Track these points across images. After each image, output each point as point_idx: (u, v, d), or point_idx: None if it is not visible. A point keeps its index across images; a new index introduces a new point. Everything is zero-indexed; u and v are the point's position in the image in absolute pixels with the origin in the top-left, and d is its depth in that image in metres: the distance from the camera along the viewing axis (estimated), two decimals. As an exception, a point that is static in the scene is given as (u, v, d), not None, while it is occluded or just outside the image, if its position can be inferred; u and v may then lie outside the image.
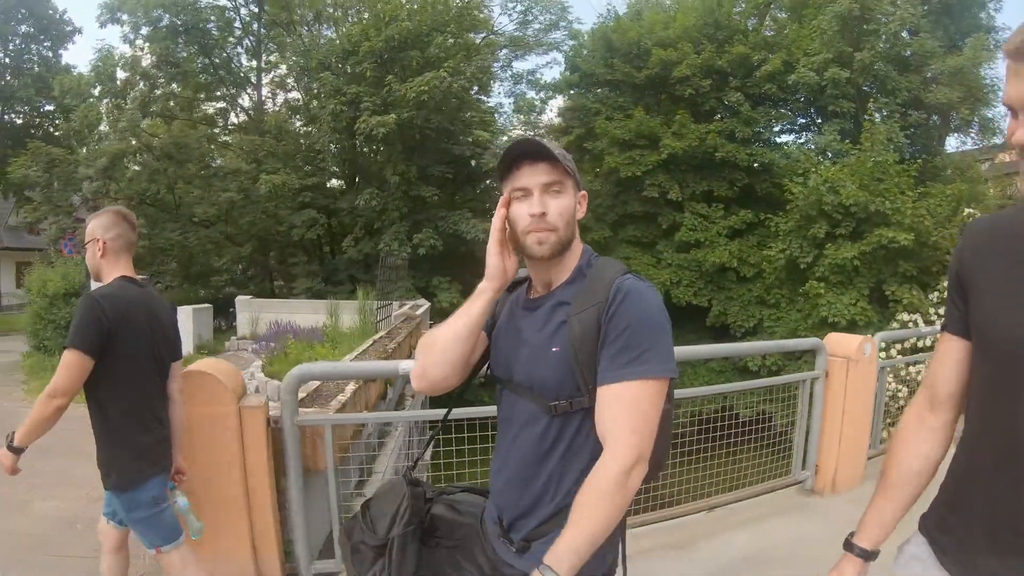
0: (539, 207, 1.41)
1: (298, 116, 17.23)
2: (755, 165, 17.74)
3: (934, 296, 13.83)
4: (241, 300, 14.94)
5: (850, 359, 4.40)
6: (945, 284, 8.55)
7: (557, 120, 19.51)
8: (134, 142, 16.26)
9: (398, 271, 15.48)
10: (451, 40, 15.96)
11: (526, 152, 1.44)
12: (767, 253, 16.65)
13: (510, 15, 19.29)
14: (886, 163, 14.45)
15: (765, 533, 3.79)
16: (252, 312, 14.61)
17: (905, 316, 13.46)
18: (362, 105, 14.71)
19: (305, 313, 14.10)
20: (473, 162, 16.77)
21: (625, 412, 1.32)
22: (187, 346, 12.86)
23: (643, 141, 17.65)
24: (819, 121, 18.80)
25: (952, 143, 19.83)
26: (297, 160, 16.77)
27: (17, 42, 24.17)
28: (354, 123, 15.01)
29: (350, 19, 19.34)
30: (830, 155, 16.40)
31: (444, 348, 1.51)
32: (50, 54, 24.40)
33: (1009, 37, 1.04)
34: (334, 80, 14.86)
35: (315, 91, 16.82)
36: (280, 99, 20.20)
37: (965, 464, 1.22)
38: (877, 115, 15.09)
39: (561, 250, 1.47)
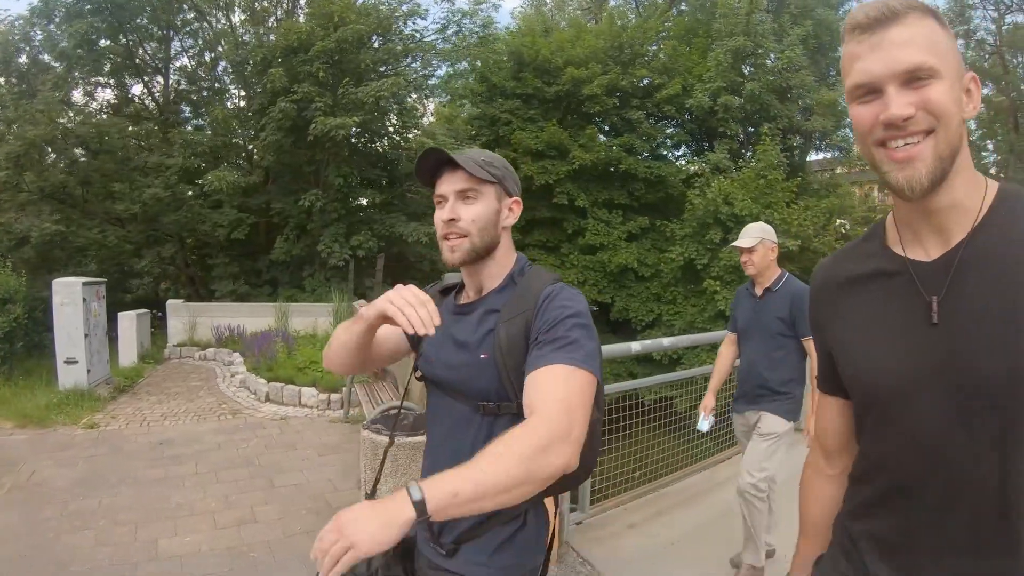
0: (449, 213, 1.48)
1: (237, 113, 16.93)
2: (652, 177, 19.47)
3: None
4: (173, 304, 14.66)
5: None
6: None
7: (466, 127, 20.36)
8: (60, 127, 15.54)
9: (343, 273, 15.92)
10: (398, 46, 16.53)
11: (441, 161, 1.50)
12: (666, 255, 18.56)
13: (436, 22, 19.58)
14: (774, 180, 16.63)
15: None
16: (187, 317, 14.40)
17: None
18: (313, 106, 14.84)
19: (249, 317, 14.23)
20: (400, 165, 17.23)
21: (560, 387, 1.30)
22: (131, 355, 12.87)
23: (553, 152, 19.11)
24: (709, 140, 20.90)
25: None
26: (232, 157, 16.60)
27: None
28: (301, 123, 15.17)
29: (276, 16, 19.29)
30: (719, 170, 18.43)
31: (337, 351, 1.63)
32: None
33: (850, 14, 1.07)
34: (280, 77, 14.94)
35: (254, 87, 16.51)
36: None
37: (854, 507, 1.25)
38: (768, 138, 17.23)
39: (475, 257, 1.51)
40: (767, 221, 16.08)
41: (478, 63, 20.54)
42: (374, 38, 16.52)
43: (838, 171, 21.91)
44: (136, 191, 15.71)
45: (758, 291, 3.81)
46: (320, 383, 9.80)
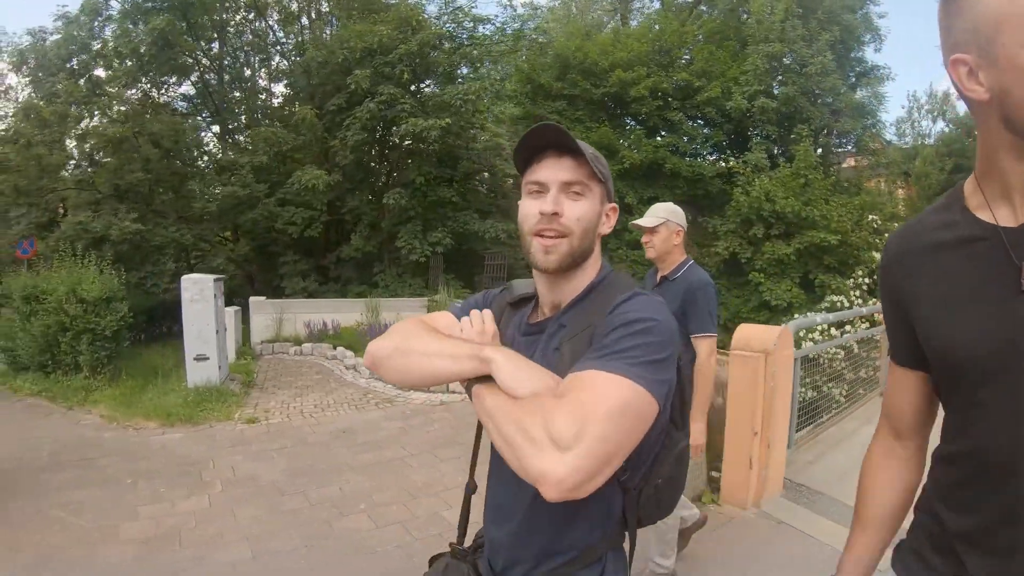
0: (552, 205, 1.27)
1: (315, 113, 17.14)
2: (693, 175, 20.35)
3: (849, 282, 17.52)
4: (256, 301, 14.73)
5: (767, 352, 4.58)
6: (859, 273, 12.11)
7: (513, 127, 20.91)
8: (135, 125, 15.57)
9: (415, 269, 16.35)
10: (474, 50, 17.01)
11: (551, 143, 1.29)
12: (711, 249, 19.45)
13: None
14: (815, 179, 17.94)
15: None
16: (272, 313, 14.50)
17: (834, 297, 16.95)
18: (399, 106, 15.21)
19: (335, 312, 14.56)
20: (462, 165, 17.68)
21: (583, 391, 1.07)
22: (231, 352, 12.93)
23: (603, 152, 19.69)
24: (743, 140, 21.88)
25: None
26: (311, 157, 16.80)
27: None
28: (387, 123, 15.51)
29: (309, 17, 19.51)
30: (757, 169, 19.40)
31: (412, 374, 1.35)
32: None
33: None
34: (365, 79, 15.29)
35: (339, 89, 16.70)
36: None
37: (947, 493, 1.15)
38: (806, 139, 18.27)
39: (572, 263, 1.31)
40: (805, 217, 17.30)
41: (524, 65, 21.02)
42: (443, 41, 16.93)
43: (850, 164, 23.17)
44: (210, 189, 15.88)
45: (658, 278, 3.53)
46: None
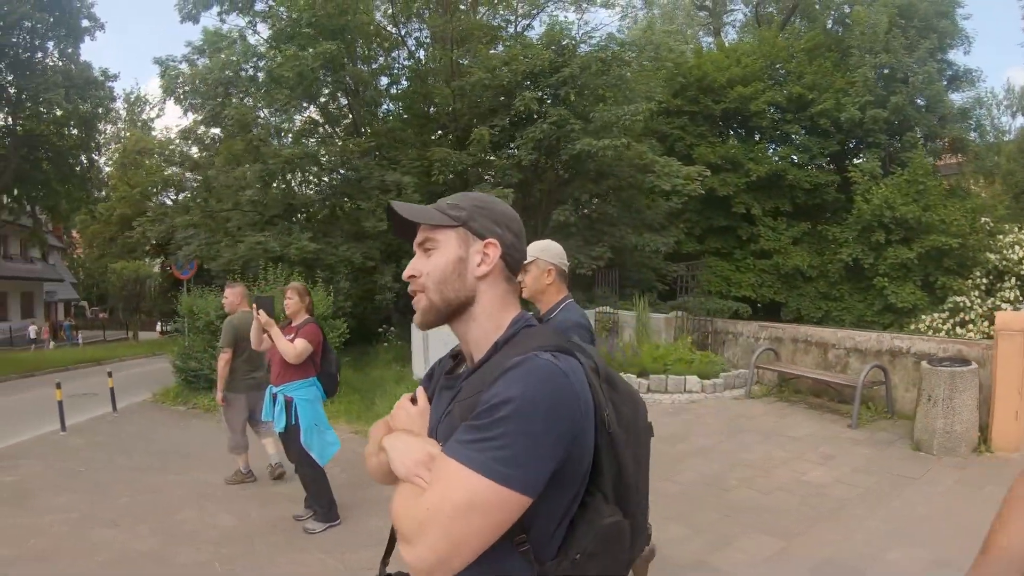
0: (408, 269, 1.32)
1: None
2: (810, 185, 21.01)
3: (968, 283, 18.24)
4: None
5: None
6: (977, 274, 13.13)
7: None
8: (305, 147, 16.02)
9: (577, 282, 16.83)
10: (626, 71, 17.57)
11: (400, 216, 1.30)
12: (836, 256, 20.11)
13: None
14: (931, 184, 18.89)
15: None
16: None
17: (956, 298, 18.22)
18: (568, 126, 15.68)
19: None
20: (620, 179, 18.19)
21: (434, 485, 1.07)
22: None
23: (729, 165, 20.42)
24: (854, 149, 22.61)
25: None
26: (479, 176, 17.24)
27: (25, 35, 21.78)
28: (555, 143, 16.02)
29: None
30: (872, 177, 20.08)
31: (380, 475, 1.36)
32: (69, 49, 22.31)
33: None
34: (531, 100, 15.79)
35: (494, 111, 17.20)
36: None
37: None
38: (919, 146, 19.13)
39: (438, 316, 1.30)
40: (925, 222, 18.04)
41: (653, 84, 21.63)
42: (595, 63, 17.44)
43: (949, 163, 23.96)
44: (379, 208, 16.26)
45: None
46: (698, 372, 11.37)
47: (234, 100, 16.92)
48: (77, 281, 42.91)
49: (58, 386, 10.89)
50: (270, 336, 5.45)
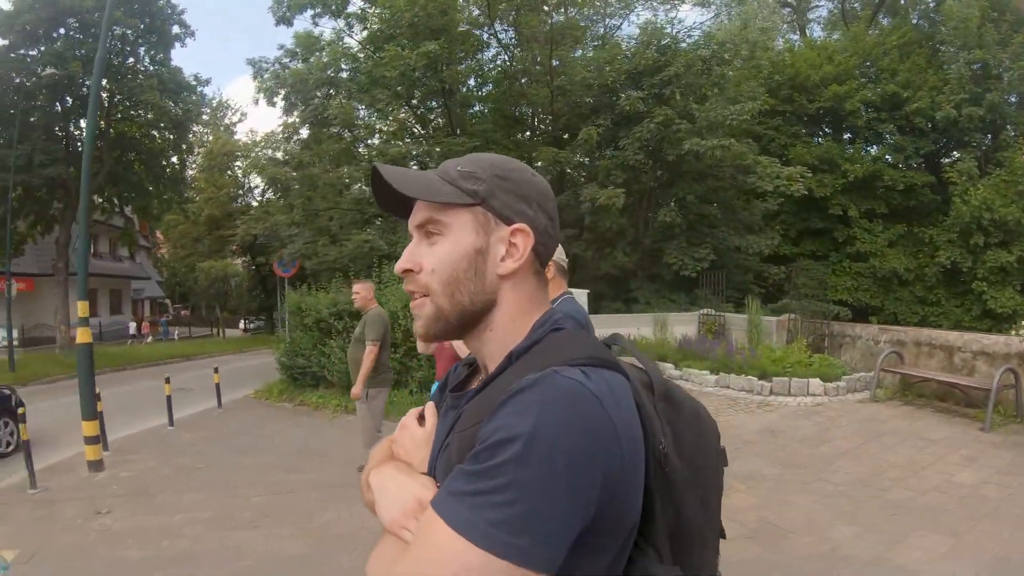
0: (402, 260, 0.99)
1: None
2: (906, 186, 20.54)
3: None
4: None
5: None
6: None
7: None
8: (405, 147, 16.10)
9: (672, 284, 16.69)
10: (729, 71, 17.38)
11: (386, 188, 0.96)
12: (934, 259, 19.62)
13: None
14: None
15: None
16: None
17: None
18: (674, 127, 15.57)
19: (614, 327, 14.87)
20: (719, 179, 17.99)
21: (419, 550, 0.79)
22: None
23: (825, 166, 20.06)
24: (948, 148, 22.08)
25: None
26: (586, 177, 17.16)
27: (116, 41, 22.25)
28: (659, 143, 15.88)
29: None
30: (969, 178, 19.58)
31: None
32: (160, 55, 22.80)
33: None
34: (636, 100, 15.68)
35: (595, 111, 17.15)
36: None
37: None
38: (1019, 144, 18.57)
39: (448, 327, 0.98)
40: None
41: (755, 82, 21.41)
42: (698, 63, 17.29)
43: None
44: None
45: None
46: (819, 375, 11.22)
47: (334, 101, 17.00)
48: (162, 279, 43.85)
49: (167, 380, 11.02)
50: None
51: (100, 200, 24.64)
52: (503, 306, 0.96)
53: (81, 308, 8.13)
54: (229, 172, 38.03)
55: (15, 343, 19.86)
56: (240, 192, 37.41)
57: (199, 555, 5.13)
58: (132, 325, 33.02)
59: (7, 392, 9.73)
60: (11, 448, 9.12)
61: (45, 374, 19.07)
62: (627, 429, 0.80)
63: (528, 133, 21.00)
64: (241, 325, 43.40)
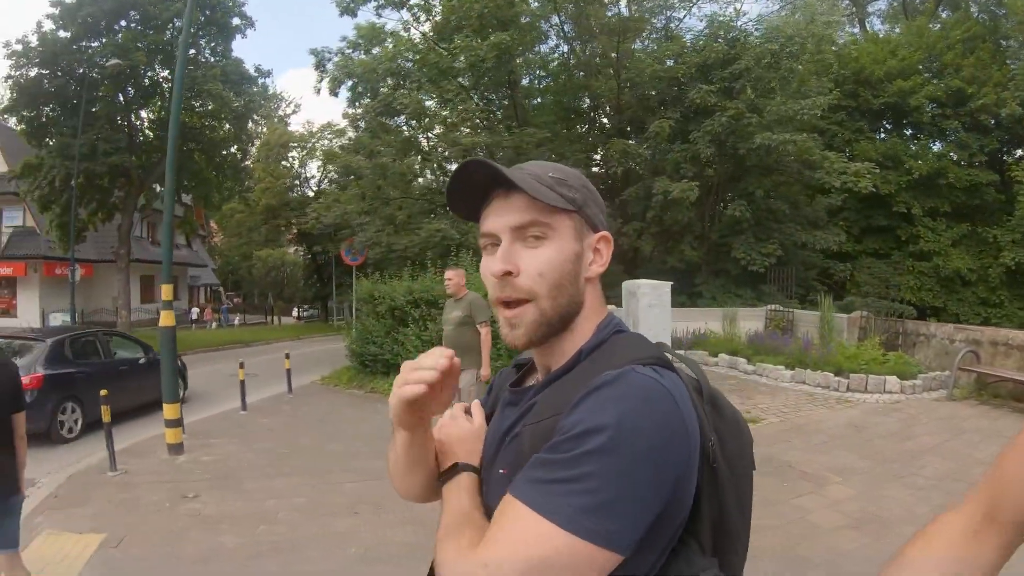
0: (502, 262, 0.97)
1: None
2: (970, 184, 20.29)
3: None
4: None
5: None
6: None
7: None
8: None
9: (739, 279, 16.60)
10: (799, 65, 17.26)
11: (488, 178, 0.99)
12: (998, 260, 19.35)
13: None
14: None
15: None
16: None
17: None
18: (744, 121, 15.49)
19: (682, 321, 14.82)
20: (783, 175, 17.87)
21: (506, 536, 0.82)
22: None
23: (889, 162, 19.86)
24: (1012, 146, 21.77)
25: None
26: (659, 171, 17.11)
27: (177, 33, 22.53)
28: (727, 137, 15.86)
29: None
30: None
31: (395, 477, 1.19)
32: (220, 47, 23.12)
33: None
34: (707, 94, 15.62)
35: (663, 103, 17.12)
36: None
37: None
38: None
39: (549, 332, 1.00)
40: None
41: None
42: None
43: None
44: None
45: None
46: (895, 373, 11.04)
47: (400, 92, 17.10)
48: (215, 267, 44.28)
49: (241, 365, 11.12)
50: None
51: (161, 189, 25.01)
52: (588, 306, 1.01)
53: (165, 291, 8.19)
54: (285, 162, 38.63)
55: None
56: (296, 182, 37.91)
57: (302, 542, 5.00)
58: (195, 311, 33.71)
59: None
60: (74, 434, 9.03)
61: (108, 358, 19.40)
62: (692, 426, 0.86)
63: (586, 126, 20.98)
64: (294, 313, 44.10)
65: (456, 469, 1.06)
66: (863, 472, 6.61)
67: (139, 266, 27.13)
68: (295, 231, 36.73)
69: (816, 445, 7.68)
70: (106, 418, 6.87)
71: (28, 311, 27.23)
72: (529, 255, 0.97)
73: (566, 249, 0.98)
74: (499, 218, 0.98)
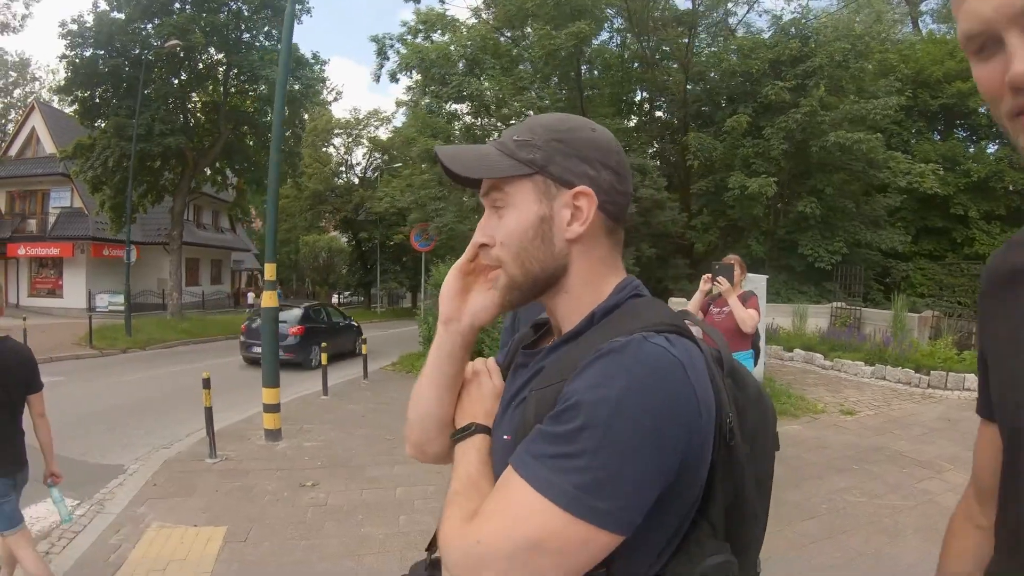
0: (477, 235, 1.00)
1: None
2: (1024, 189, 20.40)
3: None
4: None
5: None
6: None
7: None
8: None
9: (806, 276, 16.66)
10: (869, 64, 17.29)
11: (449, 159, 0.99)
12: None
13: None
14: None
15: None
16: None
17: None
18: (818, 118, 15.53)
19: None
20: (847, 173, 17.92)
21: (500, 513, 0.81)
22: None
23: (947, 164, 19.92)
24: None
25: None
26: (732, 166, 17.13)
27: (232, 17, 22.73)
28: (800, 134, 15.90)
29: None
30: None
31: (420, 416, 1.14)
32: (275, 31, 23.06)
33: None
34: (781, 91, 15.67)
35: (732, 99, 17.20)
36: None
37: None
38: None
39: (520, 296, 0.98)
40: None
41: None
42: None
43: None
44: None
45: None
46: (974, 371, 11.01)
47: (470, 79, 17.15)
48: (258, 252, 43.93)
49: (364, 341, 11.32)
50: (727, 303, 5.19)
51: (210, 172, 25.07)
52: (575, 269, 0.96)
53: (268, 271, 8.03)
54: (329, 148, 38.69)
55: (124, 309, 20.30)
56: (342, 169, 37.98)
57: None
58: (251, 295, 33.92)
59: None
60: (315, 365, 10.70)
61: (162, 339, 19.52)
62: (706, 399, 0.81)
63: (637, 120, 21.04)
64: (335, 300, 44.03)
65: (471, 429, 1.03)
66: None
67: (184, 249, 27.13)
68: (340, 217, 36.83)
69: (917, 436, 7.81)
70: (207, 403, 6.73)
71: (74, 292, 27.46)
72: (497, 225, 0.97)
73: (526, 214, 0.94)
74: (480, 190, 1.00)
